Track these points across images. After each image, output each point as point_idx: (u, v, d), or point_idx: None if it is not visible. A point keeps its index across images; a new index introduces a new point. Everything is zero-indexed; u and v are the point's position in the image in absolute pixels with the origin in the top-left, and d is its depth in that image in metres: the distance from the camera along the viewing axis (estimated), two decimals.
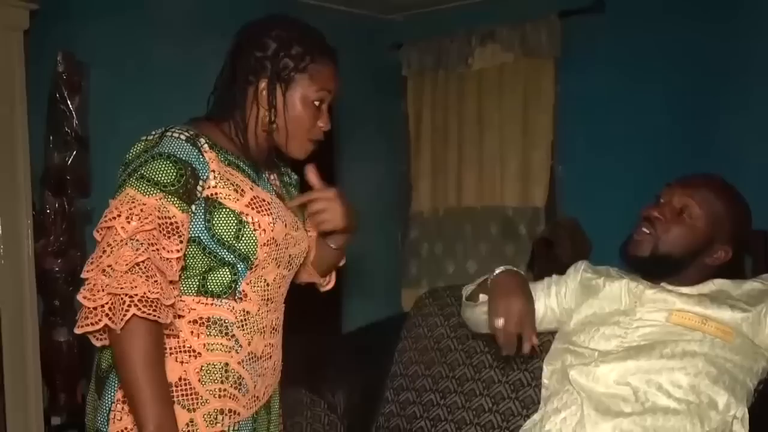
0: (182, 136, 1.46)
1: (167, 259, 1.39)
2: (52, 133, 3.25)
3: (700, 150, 3.68)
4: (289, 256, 1.60)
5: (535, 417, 1.94)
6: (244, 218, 1.47)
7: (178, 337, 1.48)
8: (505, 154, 4.22)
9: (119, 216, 1.37)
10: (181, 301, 1.48)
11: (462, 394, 2.19)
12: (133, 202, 1.38)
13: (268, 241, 1.50)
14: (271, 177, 1.64)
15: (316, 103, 1.57)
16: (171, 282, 1.40)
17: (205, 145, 1.47)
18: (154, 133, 1.49)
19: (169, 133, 1.46)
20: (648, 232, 1.83)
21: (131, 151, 1.48)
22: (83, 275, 1.37)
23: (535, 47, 4.08)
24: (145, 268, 1.35)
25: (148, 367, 1.35)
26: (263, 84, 1.53)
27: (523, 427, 1.92)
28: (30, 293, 3.13)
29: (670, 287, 1.84)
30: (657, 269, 1.83)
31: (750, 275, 3.15)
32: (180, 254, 1.41)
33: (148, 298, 1.33)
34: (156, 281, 1.35)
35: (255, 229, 1.48)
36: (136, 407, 1.35)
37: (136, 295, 1.33)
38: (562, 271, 2.15)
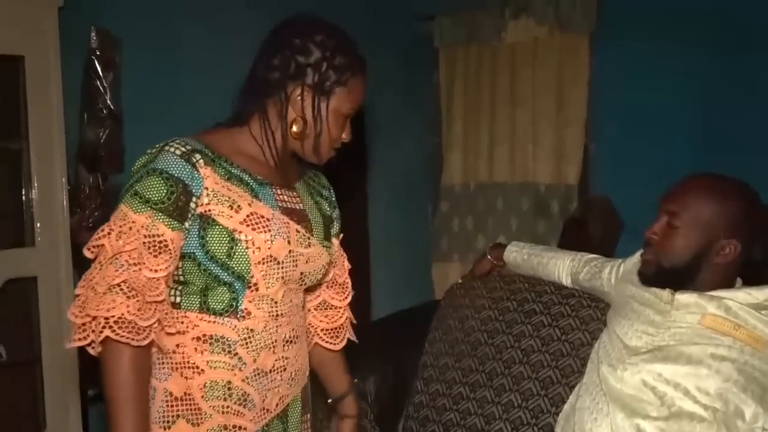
0: (177, 152, 1.44)
1: (152, 278, 1.39)
2: (87, 109, 3.26)
3: (737, 128, 3.63)
4: (301, 273, 1.58)
5: (566, 407, 1.97)
6: (236, 236, 1.45)
7: (183, 354, 1.49)
8: (537, 130, 4.18)
9: (110, 233, 1.39)
10: (185, 317, 1.49)
11: (492, 388, 2.20)
12: (124, 220, 1.40)
13: (264, 259, 1.48)
14: (280, 192, 1.58)
15: (346, 115, 1.56)
16: (158, 301, 1.40)
17: (201, 161, 1.45)
18: (158, 145, 1.48)
19: (167, 148, 1.45)
20: (649, 254, 1.86)
21: (136, 163, 1.48)
22: (76, 291, 1.39)
23: (569, 20, 4.01)
24: (122, 289, 1.36)
25: (123, 388, 1.38)
26: (299, 90, 1.51)
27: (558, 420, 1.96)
28: (66, 266, 3.17)
29: (701, 293, 1.83)
30: (671, 281, 1.83)
31: (763, 257, 3.14)
32: (167, 272, 1.41)
33: (125, 319, 1.35)
34: (134, 303, 1.36)
35: (248, 248, 1.46)
36: (110, 427, 1.39)
37: (113, 316, 1.34)
38: (593, 251, 2.23)
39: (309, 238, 1.58)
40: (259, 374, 1.53)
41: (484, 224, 4.40)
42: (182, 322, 1.49)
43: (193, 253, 1.46)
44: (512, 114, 4.25)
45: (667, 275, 1.82)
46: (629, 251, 2.08)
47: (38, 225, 3.08)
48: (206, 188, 1.44)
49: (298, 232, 1.55)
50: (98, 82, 3.25)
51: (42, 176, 3.07)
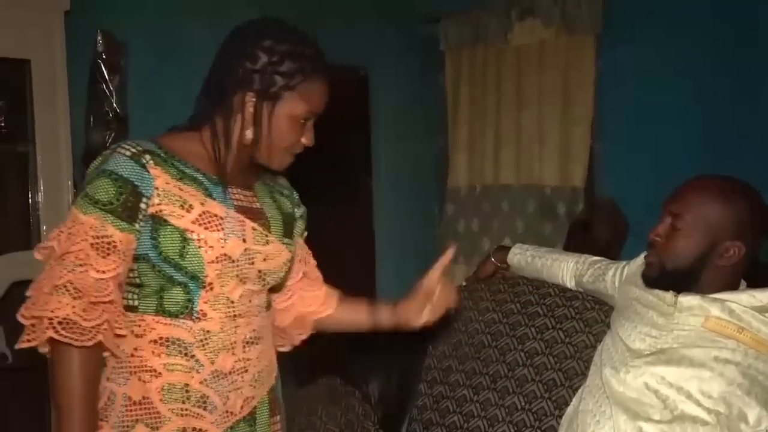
0: (127, 153, 1.44)
1: (100, 279, 1.39)
2: (93, 112, 3.28)
3: (744, 129, 3.62)
4: (258, 271, 1.56)
5: (570, 410, 1.96)
6: (188, 235, 1.45)
7: (141, 357, 1.48)
8: (543, 132, 4.17)
9: (60, 234, 1.41)
10: (142, 320, 1.48)
11: (495, 391, 2.20)
12: (74, 222, 1.41)
13: (218, 258, 1.47)
14: (236, 191, 1.57)
15: (302, 120, 1.54)
16: (107, 302, 1.40)
17: (151, 162, 1.44)
18: (113, 147, 1.48)
19: (118, 149, 1.46)
20: (652, 256, 1.85)
21: (91, 166, 1.48)
22: (27, 293, 1.40)
23: (575, 22, 4.00)
24: (68, 289, 1.36)
25: (70, 389, 1.39)
26: (249, 97, 1.50)
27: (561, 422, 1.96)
28: None
29: (704, 295, 1.83)
30: (674, 284, 1.82)
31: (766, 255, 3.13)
32: (115, 273, 1.41)
33: (69, 320, 1.35)
34: (79, 303, 1.36)
35: (200, 247, 1.45)
36: (57, 428, 1.40)
37: (57, 317, 1.35)
38: (598, 253, 2.23)
39: (267, 236, 1.56)
40: (218, 376, 1.52)
41: (489, 226, 4.39)
42: (139, 326, 1.48)
43: (147, 254, 1.46)
44: (518, 116, 4.25)
45: (671, 277, 1.81)
46: (635, 253, 2.08)
47: (44, 228, 3.09)
48: (156, 188, 1.44)
49: (254, 229, 1.54)
50: (104, 86, 3.27)
51: (48, 179, 3.08)
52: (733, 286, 1.83)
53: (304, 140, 1.57)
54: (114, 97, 3.30)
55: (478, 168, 4.43)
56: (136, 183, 1.42)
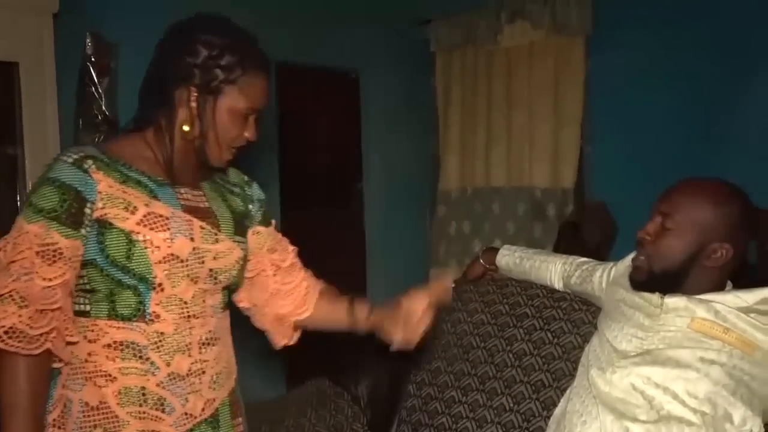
0: (70, 159, 1.44)
1: (47, 287, 1.39)
2: (82, 115, 3.27)
3: (734, 131, 3.64)
4: (209, 270, 1.55)
5: (557, 411, 1.97)
6: (134, 237, 1.45)
7: (95, 362, 1.48)
8: (534, 134, 4.19)
9: (6, 245, 1.41)
10: (94, 325, 1.48)
11: (484, 392, 2.21)
12: (19, 231, 1.41)
13: (165, 258, 1.47)
14: (183, 191, 1.56)
15: (244, 114, 1.54)
16: (55, 309, 1.40)
17: (93, 166, 1.44)
18: (56, 155, 1.48)
19: (61, 157, 1.45)
20: (641, 256, 1.85)
21: (39, 175, 1.49)
22: None
23: (565, 24, 4.02)
24: (13, 298, 1.36)
25: (18, 397, 1.39)
26: (189, 91, 1.49)
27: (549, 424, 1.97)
28: None
29: (690, 296, 1.83)
30: (661, 285, 1.82)
31: (756, 258, 3.16)
32: (62, 280, 1.41)
33: (16, 329, 1.36)
34: (26, 312, 1.36)
35: (146, 248, 1.45)
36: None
37: (2, 326, 1.35)
38: (587, 254, 2.23)
39: (216, 234, 1.56)
40: (174, 378, 1.52)
41: (480, 228, 4.40)
42: (92, 330, 1.48)
43: (94, 259, 1.46)
44: (508, 118, 4.27)
45: (658, 279, 1.82)
46: (624, 255, 2.08)
47: None
48: (100, 192, 1.44)
49: (202, 228, 1.53)
50: (93, 88, 3.26)
51: None
52: (719, 288, 1.83)
53: (247, 134, 1.56)
54: (103, 99, 3.29)
55: (469, 170, 4.45)
56: (79, 189, 1.42)
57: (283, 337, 1.85)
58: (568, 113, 4.09)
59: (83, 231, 1.44)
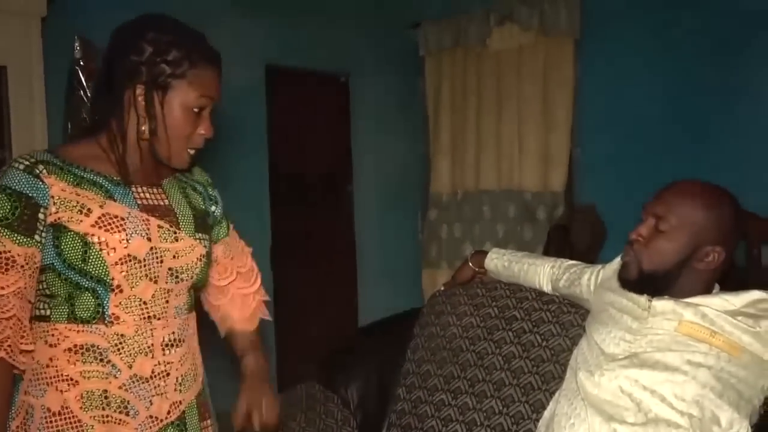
0: (21, 166, 1.43)
1: (0, 295, 1.39)
2: (70, 118, 3.27)
3: (722, 134, 3.66)
4: (169, 269, 1.54)
5: (546, 414, 1.97)
6: (89, 239, 1.44)
7: (57, 367, 1.47)
8: (523, 137, 4.21)
9: None
10: (54, 329, 1.47)
11: (473, 395, 2.21)
12: None
13: (122, 259, 1.46)
14: (141, 190, 1.55)
15: (196, 109, 1.52)
16: (8, 318, 1.40)
17: (44, 171, 1.43)
18: (9, 163, 1.47)
19: (12, 164, 1.44)
20: (631, 254, 1.84)
21: None
22: None
23: (554, 27, 4.04)
24: None
25: None
26: (139, 90, 1.48)
27: (539, 426, 1.97)
28: None
29: (677, 298, 1.84)
30: (650, 287, 1.82)
31: (744, 260, 3.17)
32: (16, 288, 1.41)
33: None
34: None
35: (101, 249, 1.44)
36: None
37: None
38: (577, 257, 2.23)
39: (176, 233, 1.55)
40: (137, 381, 1.51)
41: (471, 231, 4.42)
42: (53, 335, 1.47)
43: (52, 263, 1.45)
44: (498, 120, 4.29)
45: (648, 279, 1.81)
46: (613, 257, 2.09)
47: None
48: (53, 197, 1.43)
49: (160, 227, 1.53)
50: (81, 92, 3.25)
51: None
52: (707, 291, 1.84)
53: (201, 131, 1.55)
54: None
55: (460, 173, 4.47)
56: (30, 195, 1.42)
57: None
58: (557, 116, 4.12)
59: (37, 237, 1.43)
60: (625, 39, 3.93)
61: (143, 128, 1.50)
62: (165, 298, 1.55)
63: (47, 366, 1.47)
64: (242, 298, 1.85)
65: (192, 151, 1.57)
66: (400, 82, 4.62)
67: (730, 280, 1.88)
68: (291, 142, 4.12)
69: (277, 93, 4.05)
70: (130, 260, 1.47)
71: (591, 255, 3.60)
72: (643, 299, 1.82)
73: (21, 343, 1.43)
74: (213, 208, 1.74)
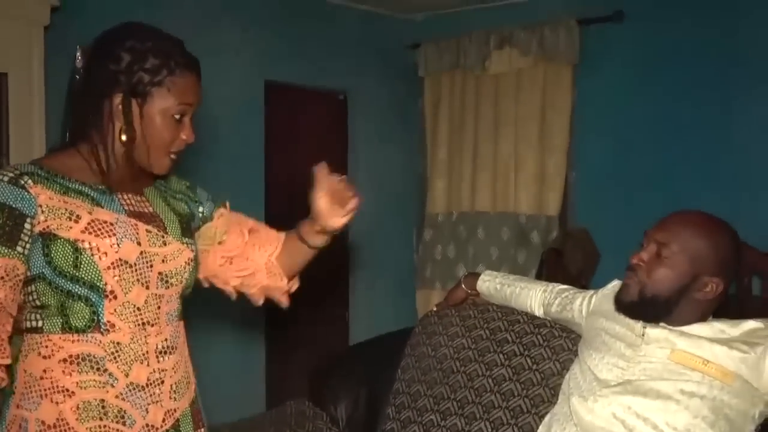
0: (5, 178, 1.43)
1: None
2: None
3: (716, 161, 3.69)
4: (159, 274, 1.54)
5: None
6: (80, 245, 1.43)
7: (51, 378, 1.46)
8: (520, 160, 4.22)
9: None
10: (48, 340, 1.46)
11: (462, 416, 2.21)
12: None
13: (114, 263, 1.46)
14: (125, 197, 1.55)
15: (177, 116, 1.52)
16: None
17: (29, 182, 1.43)
18: None
19: None
20: (634, 278, 1.85)
21: None
22: None
23: (552, 52, 4.07)
24: None
25: None
26: (118, 99, 1.48)
27: None
28: None
29: (671, 327, 1.85)
30: (648, 312, 1.84)
31: (734, 289, 3.19)
32: (1, 297, 1.41)
33: None
34: None
35: (93, 254, 1.44)
36: None
37: None
38: (570, 281, 2.21)
39: (163, 237, 1.55)
40: (134, 389, 1.51)
41: (464, 253, 4.42)
42: (46, 346, 1.46)
43: (42, 273, 1.44)
44: (495, 142, 4.31)
45: (648, 303, 1.82)
46: (606, 281, 2.10)
47: None
48: (40, 206, 1.43)
49: (148, 232, 1.53)
50: None
51: None
52: (702, 319, 1.85)
53: (183, 136, 1.54)
54: None
55: (456, 194, 4.47)
56: (15, 206, 1.41)
57: (281, 294, 1.87)
58: (554, 140, 4.14)
59: (19, 249, 1.42)
60: (622, 65, 3.96)
61: (123, 137, 1.49)
62: (157, 303, 1.54)
63: (41, 378, 1.46)
64: (266, 237, 1.85)
65: (173, 156, 1.56)
66: (398, 101, 4.64)
67: (722, 310, 1.89)
68: (288, 158, 4.13)
69: (275, 109, 4.06)
70: (121, 264, 1.47)
71: (584, 279, 3.61)
72: (638, 326, 1.83)
73: (3, 357, 1.42)
74: (201, 208, 1.73)
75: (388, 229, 4.62)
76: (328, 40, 4.22)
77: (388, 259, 4.62)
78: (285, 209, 4.16)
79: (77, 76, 1.56)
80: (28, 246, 1.43)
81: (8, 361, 1.45)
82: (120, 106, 1.48)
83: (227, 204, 1.83)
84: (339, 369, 2.56)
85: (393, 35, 4.56)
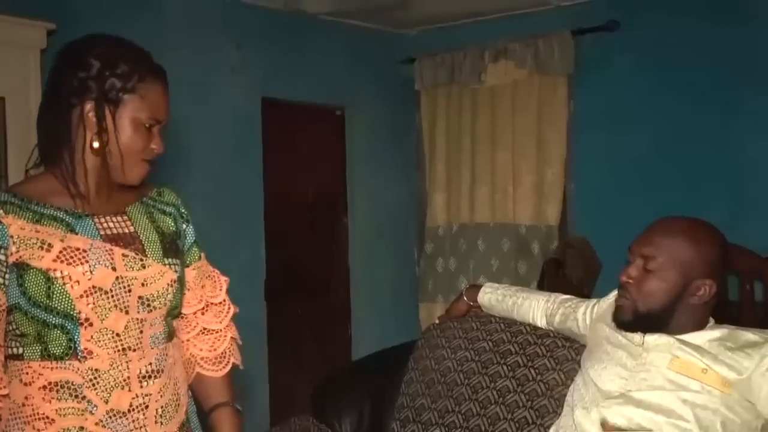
0: None
1: None
2: None
3: (715, 169, 3.69)
4: (139, 298, 1.50)
5: None
6: (51, 274, 1.41)
7: (32, 405, 1.45)
8: (518, 171, 4.23)
9: None
10: (28, 367, 1.45)
11: (468, 429, 2.20)
12: None
13: (87, 291, 1.43)
14: (104, 219, 1.51)
15: (147, 125, 1.49)
16: None
17: (1, 212, 1.42)
18: None
19: None
20: (625, 297, 1.84)
21: None
22: None
23: (548, 64, 4.09)
24: None
25: None
26: (89, 106, 1.44)
27: None
28: None
29: (670, 335, 1.84)
30: (646, 326, 1.83)
31: (738, 295, 3.18)
32: None
33: None
34: None
35: (65, 283, 1.42)
36: None
37: None
38: (571, 291, 2.21)
39: (142, 260, 1.51)
40: (115, 415, 1.48)
41: (466, 265, 4.42)
42: (27, 373, 1.45)
43: (18, 303, 1.43)
44: (493, 155, 4.31)
45: (644, 319, 1.82)
46: (607, 291, 2.09)
47: None
48: (12, 236, 1.41)
49: (125, 256, 1.49)
50: None
51: None
52: (701, 325, 1.84)
53: (153, 146, 1.51)
54: None
55: (455, 207, 4.48)
56: None
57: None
58: (551, 151, 4.15)
59: (0, 280, 1.42)
60: (618, 74, 3.98)
61: (95, 144, 1.45)
62: (139, 328, 1.51)
63: (23, 405, 1.45)
64: (211, 334, 1.75)
65: (147, 166, 1.54)
66: (395, 115, 4.65)
67: (724, 316, 1.89)
68: (287, 174, 4.14)
69: (273, 125, 4.07)
70: (95, 292, 1.44)
71: (585, 288, 3.61)
72: (637, 336, 1.83)
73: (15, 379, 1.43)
74: (184, 226, 1.69)
75: (388, 243, 4.62)
76: (325, 57, 4.23)
77: (390, 273, 4.62)
78: (284, 225, 4.19)
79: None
80: (6, 276, 1.42)
81: (6, 392, 1.45)
82: (90, 114, 1.44)
83: (203, 256, 1.76)
84: (342, 384, 2.55)
85: (389, 50, 4.58)
